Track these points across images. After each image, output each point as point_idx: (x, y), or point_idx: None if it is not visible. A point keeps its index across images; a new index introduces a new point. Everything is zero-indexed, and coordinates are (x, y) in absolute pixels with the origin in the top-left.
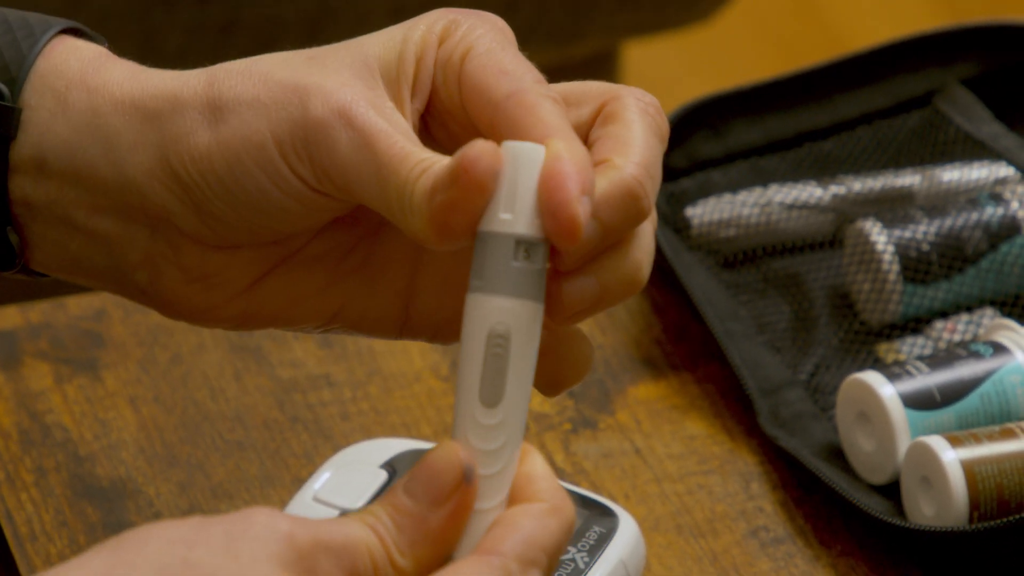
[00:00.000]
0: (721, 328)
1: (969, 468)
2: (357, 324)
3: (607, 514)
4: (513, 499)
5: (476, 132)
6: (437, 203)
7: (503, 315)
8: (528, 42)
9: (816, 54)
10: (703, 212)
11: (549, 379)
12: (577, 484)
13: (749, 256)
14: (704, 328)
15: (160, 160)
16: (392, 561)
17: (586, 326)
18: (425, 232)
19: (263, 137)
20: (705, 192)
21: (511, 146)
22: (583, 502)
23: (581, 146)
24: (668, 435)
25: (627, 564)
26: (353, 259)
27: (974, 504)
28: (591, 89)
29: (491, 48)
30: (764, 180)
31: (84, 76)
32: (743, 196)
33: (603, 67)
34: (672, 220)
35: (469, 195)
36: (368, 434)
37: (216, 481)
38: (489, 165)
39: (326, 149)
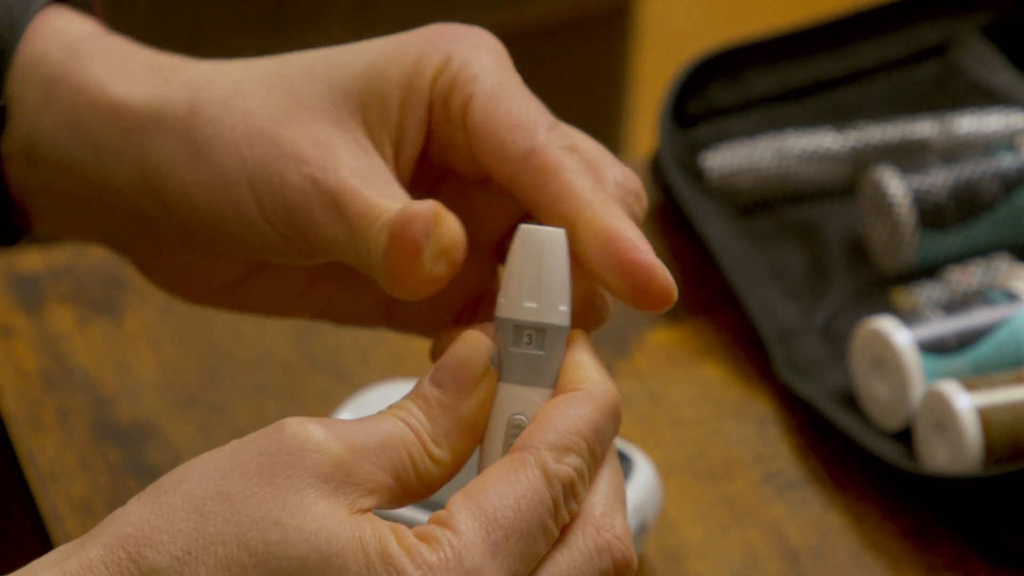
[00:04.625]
0: (737, 275)
1: (984, 414)
2: (343, 319)
3: (623, 459)
4: (555, 393)
5: (478, 168)
6: (389, 266)
7: (520, 405)
8: None
9: (832, 3)
10: (720, 160)
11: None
12: None
13: (766, 204)
14: (720, 275)
15: (143, 178)
16: (429, 453)
17: None
18: (389, 290)
19: (244, 192)
20: (722, 140)
21: (524, 230)
22: None
23: (618, 209)
24: (684, 381)
25: (643, 508)
26: (334, 265)
27: (989, 450)
28: (582, 152)
29: (494, 92)
30: (781, 128)
31: (67, 70)
32: (760, 144)
33: (620, 20)
34: (690, 167)
35: (408, 259)
36: (386, 377)
37: (236, 423)
38: (421, 227)
39: (305, 218)
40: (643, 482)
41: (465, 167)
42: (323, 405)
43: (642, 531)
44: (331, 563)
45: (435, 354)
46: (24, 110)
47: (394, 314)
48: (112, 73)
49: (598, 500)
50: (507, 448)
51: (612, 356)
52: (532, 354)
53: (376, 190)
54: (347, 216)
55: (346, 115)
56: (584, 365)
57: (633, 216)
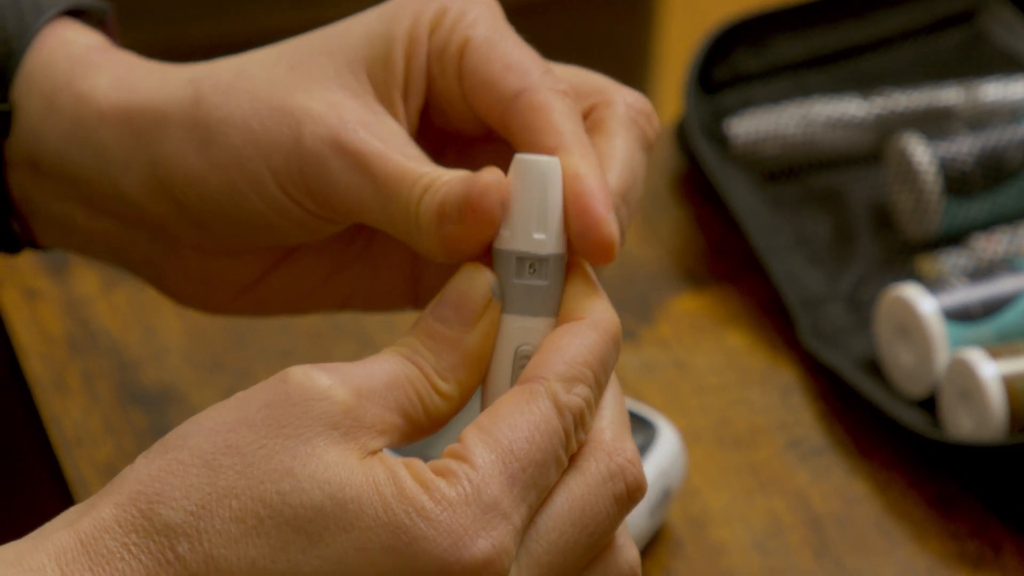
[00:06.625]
0: (762, 242)
1: (1009, 382)
2: (368, 305)
3: (648, 425)
4: (558, 322)
5: (478, 122)
6: (447, 233)
7: (526, 335)
8: None
9: None
10: (745, 127)
11: None
12: None
13: (791, 171)
14: (745, 242)
15: (154, 179)
16: (436, 388)
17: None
18: (435, 254)
19: (258, 166)
20: (747, 106)
21: (521, 160)
22: None
23: (593, 156)
24: (709, 348)
25: (668, 475)
26: (356, 246)
27: (1013, 418)
28: (585, 84)
29: (489, 36)
30: (806, 95)
31: (71, 80)
32: (785, 111)
33: None
34: (715, 134)
35: (479, 229)
36: None
37: None
38: (496, 198)
39: (323, 180)
40: (667, 449)
41: (462, 121)
42: None
43: (666, 497)
44: (347, 509)
45: None
46: (28, 118)
47: (420, 293)
48: (116, 82)
49: (606, 426)
50: (515, 379)
51: (637, 323)
52: (535, 284)
53: (397, 150)
54: (374, 177)
55: (352, 80)
56: (586, 293)
57: (643, 135)
